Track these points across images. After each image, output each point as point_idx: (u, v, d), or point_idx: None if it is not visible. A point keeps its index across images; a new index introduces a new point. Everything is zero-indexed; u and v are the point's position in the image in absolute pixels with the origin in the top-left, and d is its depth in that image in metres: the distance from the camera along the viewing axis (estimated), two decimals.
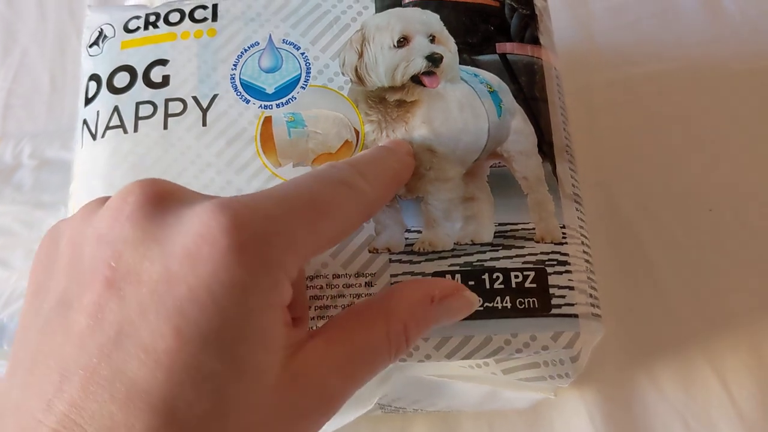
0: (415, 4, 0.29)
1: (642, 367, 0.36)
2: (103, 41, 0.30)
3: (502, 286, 0.26)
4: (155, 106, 0.29)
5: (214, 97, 0.28)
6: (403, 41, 0.28)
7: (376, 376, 0.27)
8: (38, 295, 0.20)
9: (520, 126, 0.28)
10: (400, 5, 0.29)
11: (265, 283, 0.18)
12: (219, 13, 0.30)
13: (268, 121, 0.28)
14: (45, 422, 0.17)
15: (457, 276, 0.26)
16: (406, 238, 0.26)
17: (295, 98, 0.28)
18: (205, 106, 0.28)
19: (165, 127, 0.28)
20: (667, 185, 0.40)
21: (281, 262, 0.19)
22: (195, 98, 0.28)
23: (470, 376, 0.29)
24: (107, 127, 0.29)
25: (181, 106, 0.28)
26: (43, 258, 0.20)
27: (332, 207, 0.21)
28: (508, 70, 0.29)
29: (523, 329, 0.25)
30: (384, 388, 0.28)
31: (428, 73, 0.28)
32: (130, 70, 0.29)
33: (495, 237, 0.26)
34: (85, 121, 0.29)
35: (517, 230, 0.27)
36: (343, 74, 0.29)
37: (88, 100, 0.30)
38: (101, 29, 0.31)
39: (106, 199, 0.20)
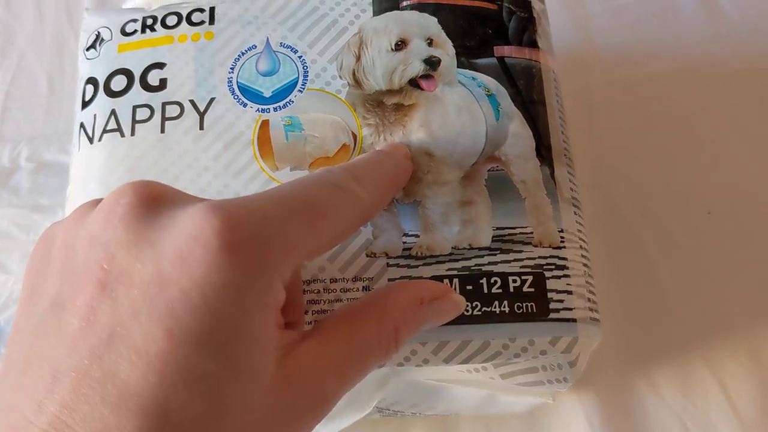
0: (412, 8, 0.29)
1: (641, 371, 0.36)
2: (100, 44, 0.30)
3: (500, 291, 0.25)
4: (152, 110, 0.28)
5: (212, 100, 0.28)
6: (400, 44, 0.28)
7: (375, 380, 0.28)
8: (32, 297, 0.20)
9: (518, 129, 0.28)
10: (397, 8, 0.29)
11: (258, 284, 0.18)
12: (216, 17, 0.30)
13: (265, 124, 0.28)
14: (36, 423, 0.17)
15: (455, 280, 0.26)
16: (404, 243, 0.26)
17: (293, 102, 0.28)
18: (202, 109, 0.28)
19: (162, 130, 0.28)
20: (666, 186, 0.40)
21: (275, 264, 0.19)
22: (192, 102, 0.28)
23: (468, 381, 0.29)
24: (104, 131, 0.29)
25: (178, 109, 0.28)
26: (37, 260, 0.20)
27: (327, 210, 0.21)
28: (506, 73, 0.29)
29: (521, 334, 0.25)
30: (382, 391, 0.28)
31: (426, 76, 0.28)
32: (127, 73, 0.29)
33: (493, 241, 0.26)
34: (82, 125, 0.29)
35: (515, 234, 0.26)
36: (340, 77, 0.29)
37: (85, 104, 0.29)
38: (98, 32, 0.30)
39: (99, 201, 0.20)
